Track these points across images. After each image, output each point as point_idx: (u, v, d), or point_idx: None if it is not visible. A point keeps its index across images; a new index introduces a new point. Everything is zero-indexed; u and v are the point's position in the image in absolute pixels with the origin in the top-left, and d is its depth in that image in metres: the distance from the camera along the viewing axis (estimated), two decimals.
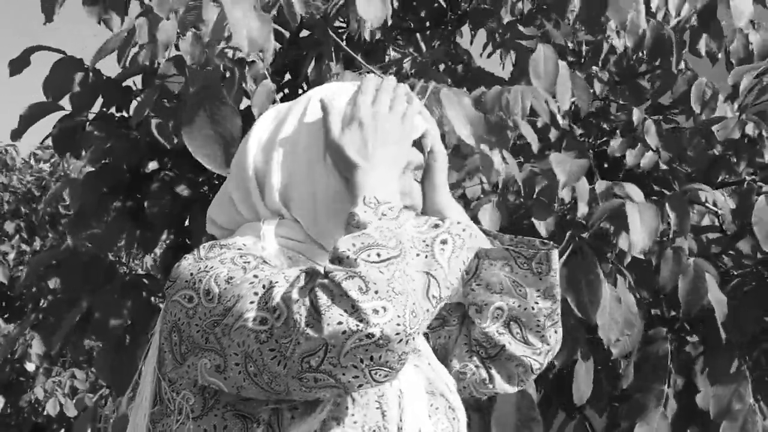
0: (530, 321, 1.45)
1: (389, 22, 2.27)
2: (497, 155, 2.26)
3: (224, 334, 1.16)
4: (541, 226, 2.48)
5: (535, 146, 2.44)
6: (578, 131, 3.23)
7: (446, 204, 1.43)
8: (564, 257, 2.43)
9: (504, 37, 2.88)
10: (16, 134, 2.93)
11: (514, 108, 2.24)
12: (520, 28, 2.73)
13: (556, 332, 1.48)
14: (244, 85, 2.32)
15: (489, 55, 3.66)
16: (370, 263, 1.11)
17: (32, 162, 7.97)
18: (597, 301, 2.40)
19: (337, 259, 1.13)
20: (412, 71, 2.65)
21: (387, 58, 2.72)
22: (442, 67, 3.08)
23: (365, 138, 1.28)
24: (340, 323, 1.07)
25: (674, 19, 3.01)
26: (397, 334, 1.08)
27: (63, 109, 2.81)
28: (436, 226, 1.23)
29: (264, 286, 1.15)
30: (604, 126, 3.27)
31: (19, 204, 7.47)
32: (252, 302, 1.14)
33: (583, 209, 2.50)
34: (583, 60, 3.18)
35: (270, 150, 1.37)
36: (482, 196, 2.56)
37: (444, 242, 1.20)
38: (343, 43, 2.41)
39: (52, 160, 7.56)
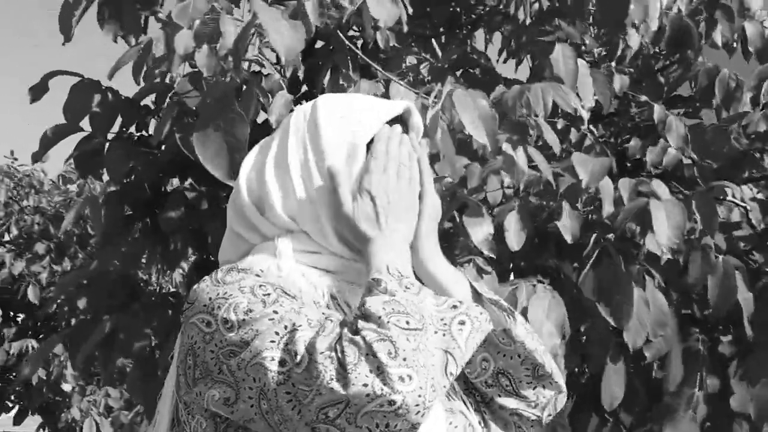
0: (518, 372, 1.40)
1: (405, 29, 2.26)
2: (521, 154, 2.22)
3: (239, 368, 1.16)
4: (566, 229, 2.44)
5: (556, 148, 2.41)
6: (599, 132, 3.19)
7: (431, 256, 1.38)
8: (591, 261, 2.39)
9: (520, 39, 2.85)
10: (37, 156, 2.95)
11: (535, 106, 2.20)
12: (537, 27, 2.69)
13: (552, 383, 1.41)
14: (260, 98, 2.31)
15: (505, 60, 3.62)
16: (399, 329, 1.12)
17: (60, 183, 8.04)
18: (630, 304, 2.35)
19: (367, 317, 1.13)
20: (429, 77, 2.63)
21: (404, 65, 2.70)
22: (459, 72, 3.06)
23: (377, 210, 1.30)
24: (365, 384, 1.08)
25: (684, 9, 2.97)
26: (417, 405, 1.09)
27: (83, 130, 2.82)
28: (455, 306, 1.24)
29: (286, 327, 1.15)
30: (626, 124, 3.22)
31: (49, 225, 7.54)
32: (272, 341, 1.14)
33: (608, 209, 2.45)
34: (596, 59, 3.15)
35: (261, 168, 1.37)
36: (504, 201, 2.53)
37: (462, 323, 1.21)
38: (359, 52, 2.39)
39: (79, 182, 7.63)
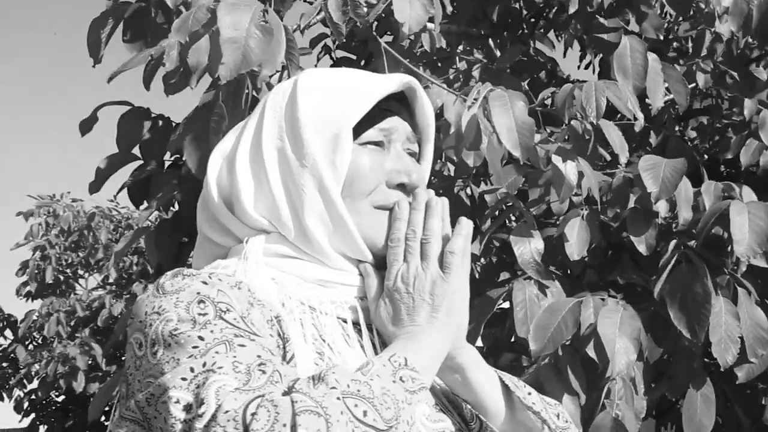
0: None
1: (438, 29, 2.06)
2: (572, 166, 1.98)
3: (149, 403, 0.96)
4: (640, 240, 2.18)
5: (623, 155, 2.15)
6: (687, 134, 2.91)
7: (461, 345, 1.17)
8: (668, 269, 2.11)
9: (585, 33, 2.59)
10: (94, 187, 2.87)
11: (586, 106, 1.95)
12: (602, 20, 2.44)
13: None
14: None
15: (587, 66, 3.38)
16: (349, 414, 0.89)
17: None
18: (705, 316, 2.06)
19: (317, 381, 0.91)
20: (485, 80, 2.41)
21: (454, 67, 2.48)
22: (526, 81, 2.83)
23: (396, 307, 1.12)
24: None
25: None
26: None
27: (138, 158, 2.72)
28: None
29: (204, 365, 0.93)
30: (717, 125, 2.92)
31: (147, 265, 7.59)
32: (184, 378, 0.93)
33: (685, 215, 2.18)
34: (689, 52, 2.86)
35: (232, 158, 1.17)
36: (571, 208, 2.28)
37: None
38: (395, 53, 2.18)
39: None
